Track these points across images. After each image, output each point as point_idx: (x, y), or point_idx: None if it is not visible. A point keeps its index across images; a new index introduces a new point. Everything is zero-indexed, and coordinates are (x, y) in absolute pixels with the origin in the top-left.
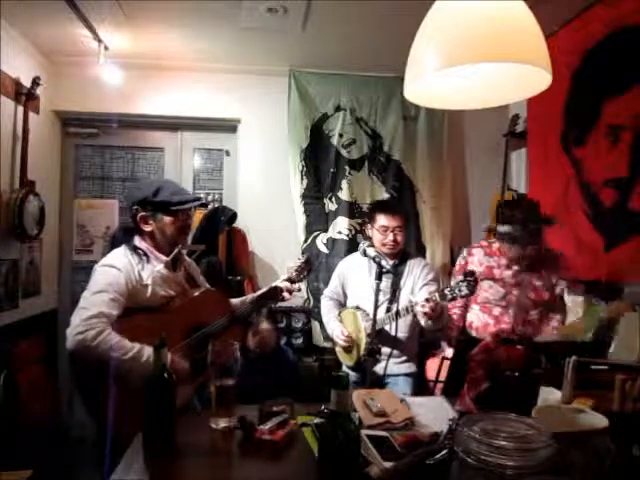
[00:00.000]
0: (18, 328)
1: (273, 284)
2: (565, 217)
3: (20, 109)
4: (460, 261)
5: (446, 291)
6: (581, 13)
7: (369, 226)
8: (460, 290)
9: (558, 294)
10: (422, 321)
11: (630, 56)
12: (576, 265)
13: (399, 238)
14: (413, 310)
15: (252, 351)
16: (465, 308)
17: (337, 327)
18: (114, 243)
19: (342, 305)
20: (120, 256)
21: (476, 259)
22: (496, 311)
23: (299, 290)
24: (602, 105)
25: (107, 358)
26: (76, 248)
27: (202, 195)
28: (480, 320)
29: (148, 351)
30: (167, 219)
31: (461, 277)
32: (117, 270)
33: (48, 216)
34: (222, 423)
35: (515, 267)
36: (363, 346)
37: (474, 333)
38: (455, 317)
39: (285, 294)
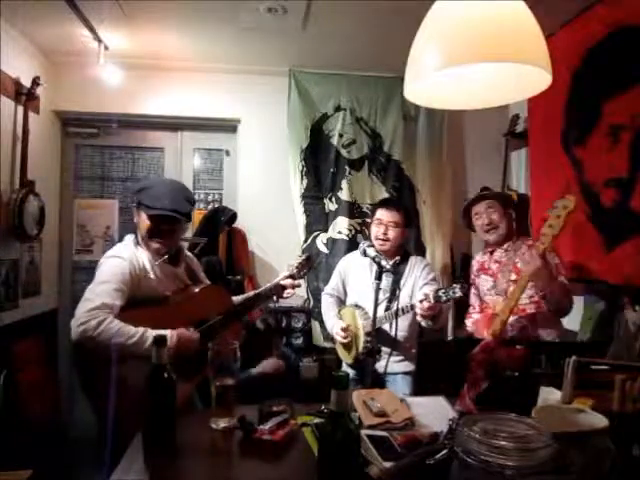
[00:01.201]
0: (18, 328)
1: (275, 280)
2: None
3: (20, 109)
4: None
5: (440, 292)
6: (581, 13)
7: (370, 222)
8: (454, 292)
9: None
10: (422, 322)
11: (630, 56)
12: (576, 265)
13: (390, 233)
14: (409, 310)
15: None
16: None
17: (336, 323)
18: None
19: (342, 302)
20: (125, 246)
21: (476, 259)
22: (488, 300)
23: (299, 286)
24: (602, 105)
25: (110, 346)
26: (76, 248)
27: (202, 195)
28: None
29: (152, 334)
30: (143, 216)
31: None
32: (121, 260)
33: (48, 216)
34: (222, 423)
35: (497, 251)
36: (362, 344)
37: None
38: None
39: (288, 290)
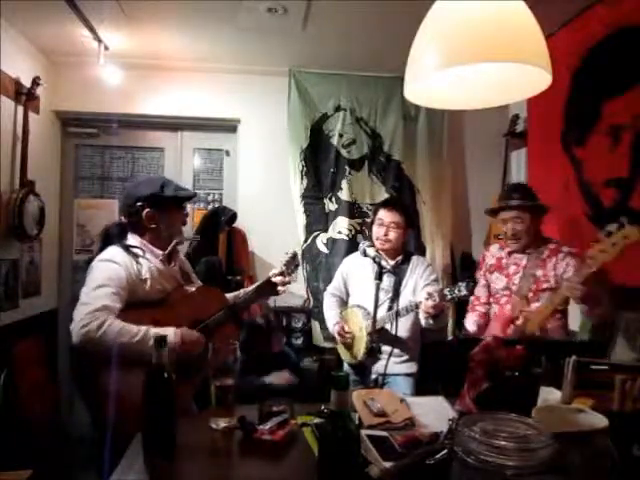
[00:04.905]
0: (18, 328)
1: (267, 278)
2: (565, 217)
3: (20, 109)
4: (480, 257)
5: (445, 291)
6: (581, 13)
7: (371, 222)
8: (459, 290)
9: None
10: (423, 321)
11: (630, 56)
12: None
13: (391, 234)
14: (413, 309)
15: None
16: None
17: (337, 323)
18: (109, 239)
19: (344, 302)
20: (118, 252)
21: (491, 252)
22: (502, 300)
23: (290, 282)
24: (602, 105)
25: (113, 346)
26: (76, 248)
27: (202, 195)
28: (492, 311)
29: (154, 332)
30: (174, 213)
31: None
32: (117, 265)
33: (48, 216)
34: (222, 423)
35: (516, 252)
36: (363, 344)
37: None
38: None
39: (280, 288)
